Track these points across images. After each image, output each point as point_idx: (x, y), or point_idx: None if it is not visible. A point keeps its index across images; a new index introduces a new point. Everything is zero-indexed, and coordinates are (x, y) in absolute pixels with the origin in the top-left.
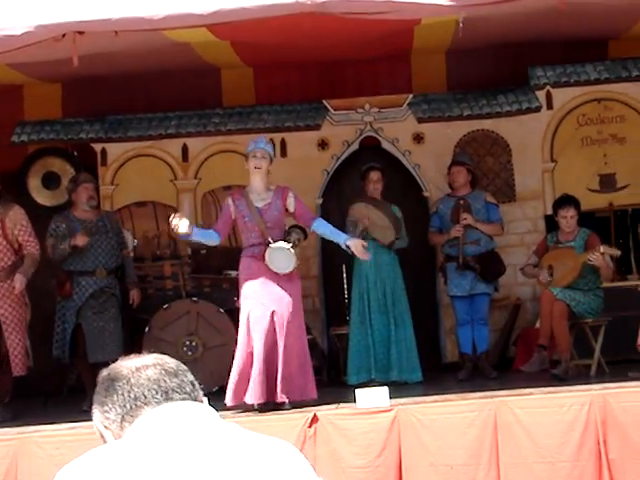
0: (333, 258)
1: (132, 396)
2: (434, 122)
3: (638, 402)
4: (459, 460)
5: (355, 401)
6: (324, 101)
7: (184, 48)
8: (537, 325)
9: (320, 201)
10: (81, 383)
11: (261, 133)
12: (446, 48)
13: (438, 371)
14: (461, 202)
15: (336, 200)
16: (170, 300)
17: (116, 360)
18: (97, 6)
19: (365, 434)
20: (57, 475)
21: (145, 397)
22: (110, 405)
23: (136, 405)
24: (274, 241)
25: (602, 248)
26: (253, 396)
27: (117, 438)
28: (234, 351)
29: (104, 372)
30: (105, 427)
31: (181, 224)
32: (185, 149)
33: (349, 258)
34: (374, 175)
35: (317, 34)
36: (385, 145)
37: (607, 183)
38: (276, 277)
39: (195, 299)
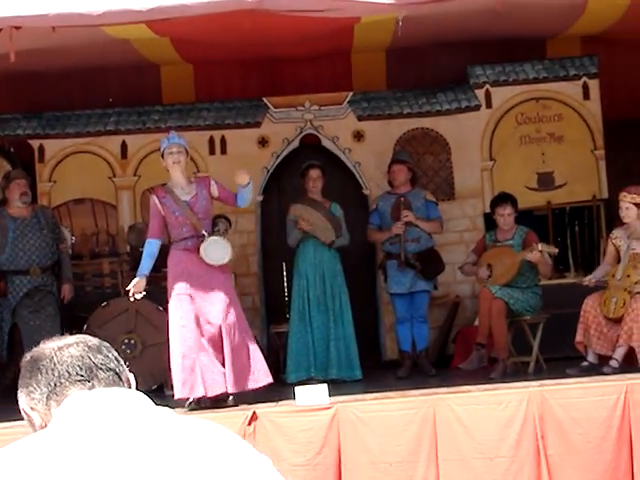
0: (273, 256)
1: (56, 374)
2: (374, 120)
3: (575, 399)
4: (398, 457)
5: (295, 399)
6: (264, 99)
7: (123, 44)
8: (476, 323)
9: (260, 198)
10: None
11: (201, 130)
12: (386, 46)
13: (378, 369)
14: (402, 200)
15: (276, 198)
16: (109, 298)
17: None
18: (34, 1)
19: (304, 432)
20: None
21: (69, 374)
22: (35, 385)
23: (61, 383)
24: (207, 232)
25: (540, 246)
26: (201, 389)
27: (44, 419)
28: None
29: (27, 356)
30: (31, 408)
31: (138, 289)
32: (124, 146)
33: (290, 256)
34: (314, 173)
35: (257, 31)
36: (325, 143)
37: (545, 181)
38: (210, 270)
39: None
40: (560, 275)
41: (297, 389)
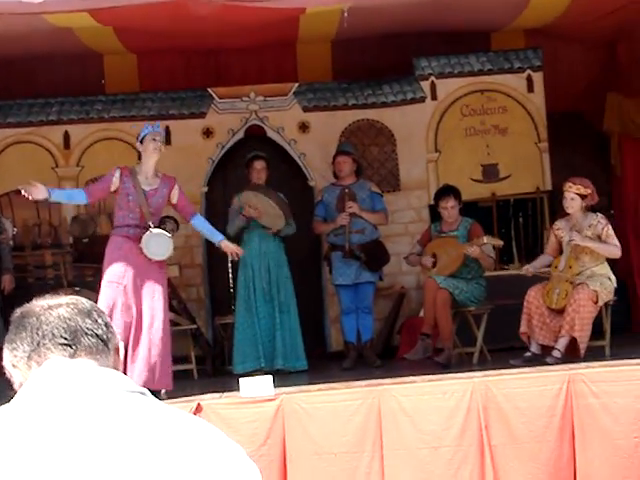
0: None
1: (40, 334)
2: (319, 111)
3: (519, 389)
4: (343, 448)
5: (239, 390)
6: (209, 89)
7: (66, 33)
8: (421, 314)
9: (205, 189)
10: None
11: (145, 121)
12: (332, 37)
13: (323, 360)
14: (346, 191)
15: (221, 189)
16: (51, 289)
17: None
18: None
19: (249, 423)
20: None
21: (53, 335)
22: (18, 342)
23: (44, 344)
24: (153, 225)
25: (485, 238)
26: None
27: (24, 377)
28: None
29: (17, 311)
30: (13, 366)
31: (33, 190)
32: (67, 136)
33: None
34: (258, 164)
35: (202, 21)
36: (270, 134)
37: (490, 173)
38: (147, 263)
39: (77, 288)
40: (504, 266)
41: (242, 380)
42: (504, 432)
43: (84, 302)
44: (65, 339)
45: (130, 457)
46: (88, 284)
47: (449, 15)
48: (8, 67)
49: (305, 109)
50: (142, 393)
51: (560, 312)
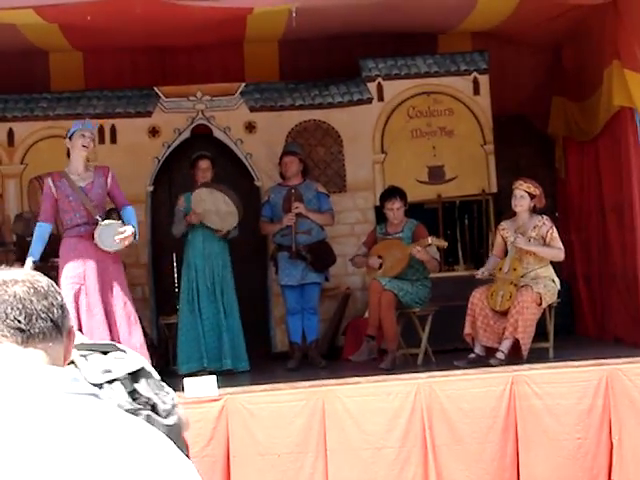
0: (163, 247)
1: None
2: (266, 111)
3: (463, 390)
4: (287, 449)
5: (183, 390)
6: (155, 88)
7: (10, 29)
8: (366, 315)
9: (151, 189)
10: None
11: (91, 119)
12: (279, 37)
13: (267, 360)
14: (293, 191)
15: (167, 188)
16: None
17: None
18: None
19: (193, 423)
20: None
21: (6, 316)
22: None
23: None
24: (101, 218)
25: (430, 239)
26: None
27: None
28: None
29: None
30: None
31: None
32: (11, 133)
33: (180, 246)
34: (203, 163)
35: (148, 19)
36: (217, 133)
37: (436, 175)
38: (103, 259)
39: None
40: (449, 268)
41: (186, 381)
42: (448, 433)
43: (40, 280)
44: (19, 322)
45: (58, 463)
46: None
47: (396, 17)
48: None
49: (252, 109)
50: (91, 394)
51: (504, 314)
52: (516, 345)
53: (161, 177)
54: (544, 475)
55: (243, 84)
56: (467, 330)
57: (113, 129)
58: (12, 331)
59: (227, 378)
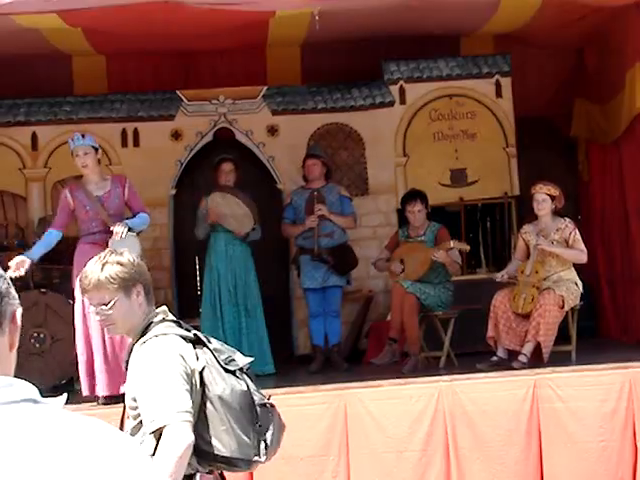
0: (185, 250)
1: None
2: (288, 115)
3: (485, 393)
4: (309, 452)
5: None
6: (178, 91)
7: (34, 34)
8: (388, 318)
9: (173, 192)
10: None
11: (113, 122)
12: (301, 41)
13: (290, 363)
14: (315, 194)
15: (189, 191)
16: (18, 291)
17: None
18: None
19: None
20: None
21: None
22: None
23: None
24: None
25: (452, 243)
26: (100, 388)
27: None
28: None
29: None
30: None
31: (18, 266)
32: (34, 137)
33: (203, 249)
34: (226, 166)
35: (171, 23)
36: (239, 137)
37: (458, 178)
38: None
39: (43, 290)
40: (472, 271)
41: None
42: (470, 436)
43: None
44: None
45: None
46: (54, 286)
47: (419, 19)
48: None
49: (274, 112)
50: (29, 399)
51: (526, 317)
52: (538, 348)
53: (184, 180)
54: (567, 478)
55: (265, 87)
56: (490, 333)
57: (136, 132)
58: None
59: None
